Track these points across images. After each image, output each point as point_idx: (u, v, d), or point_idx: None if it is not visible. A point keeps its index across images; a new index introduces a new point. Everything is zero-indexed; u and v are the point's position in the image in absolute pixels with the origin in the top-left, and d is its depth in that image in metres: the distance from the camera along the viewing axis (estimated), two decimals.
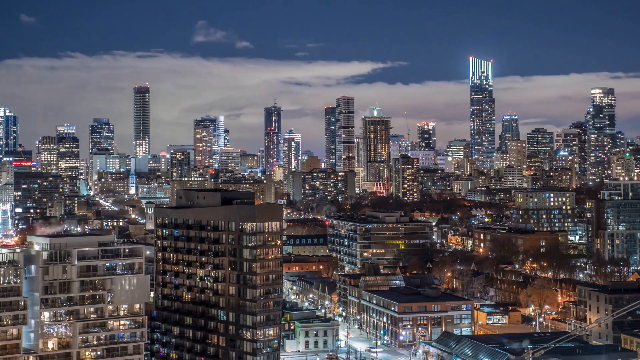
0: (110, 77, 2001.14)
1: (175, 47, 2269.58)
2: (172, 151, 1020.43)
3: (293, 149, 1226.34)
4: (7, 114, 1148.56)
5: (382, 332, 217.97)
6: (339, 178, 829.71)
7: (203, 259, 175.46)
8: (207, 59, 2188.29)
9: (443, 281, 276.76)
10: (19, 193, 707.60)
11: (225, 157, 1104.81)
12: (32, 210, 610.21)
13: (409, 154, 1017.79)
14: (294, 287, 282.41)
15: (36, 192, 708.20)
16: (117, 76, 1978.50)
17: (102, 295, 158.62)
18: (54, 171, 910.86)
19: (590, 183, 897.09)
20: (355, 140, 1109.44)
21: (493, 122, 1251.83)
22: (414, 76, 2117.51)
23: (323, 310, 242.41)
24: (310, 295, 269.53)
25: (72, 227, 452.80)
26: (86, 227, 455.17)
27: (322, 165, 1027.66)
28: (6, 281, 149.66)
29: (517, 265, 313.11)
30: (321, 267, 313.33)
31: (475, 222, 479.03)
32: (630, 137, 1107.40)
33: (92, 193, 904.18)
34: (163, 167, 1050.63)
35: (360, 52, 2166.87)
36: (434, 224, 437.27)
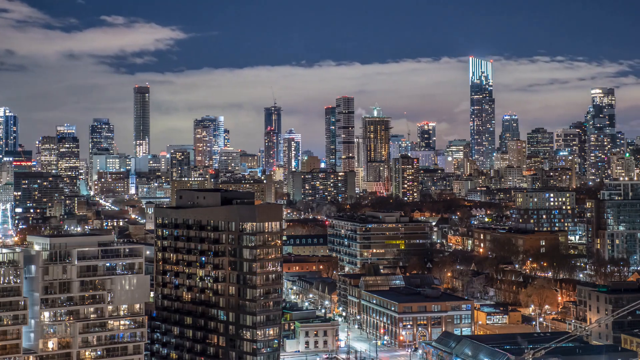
0: (112, 77, 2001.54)
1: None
2: (172, 151, 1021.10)
3: (293, 149, 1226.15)
4: (7, 114, 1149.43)
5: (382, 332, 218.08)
6: (339, 178, 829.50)
7: (203, 259, 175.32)
8: None
9: (443, 281, 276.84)
10: (19, 193, 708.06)
11: (225, 157, 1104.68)
12: (32, 210, 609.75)
13: (409, 154, 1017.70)
14: (294, 287, 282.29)
15: (36, 192, 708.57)
16: (118, 76, 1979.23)
17: (102, 295, 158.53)
18: (54, 171, 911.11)
19: (590, 183, 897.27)
20: (355, 140, 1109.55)
21: (493, 122, 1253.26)
22: (413, 74, 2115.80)
23: (323, 310, 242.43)
24: (310, 295, 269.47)
25: (72, 227, 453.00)
26: (86, 227, 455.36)
27: (322, 165, 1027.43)
28: (6, 281, 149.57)
29: (517, 265, 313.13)
30: (321, 267, 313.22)
31: (475, 222, 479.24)
32: (630, 137, 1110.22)
33: (92, 193, 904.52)
34: (163, 167, 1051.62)
35: (361, 52, 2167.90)
36: (434, 224, 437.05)
